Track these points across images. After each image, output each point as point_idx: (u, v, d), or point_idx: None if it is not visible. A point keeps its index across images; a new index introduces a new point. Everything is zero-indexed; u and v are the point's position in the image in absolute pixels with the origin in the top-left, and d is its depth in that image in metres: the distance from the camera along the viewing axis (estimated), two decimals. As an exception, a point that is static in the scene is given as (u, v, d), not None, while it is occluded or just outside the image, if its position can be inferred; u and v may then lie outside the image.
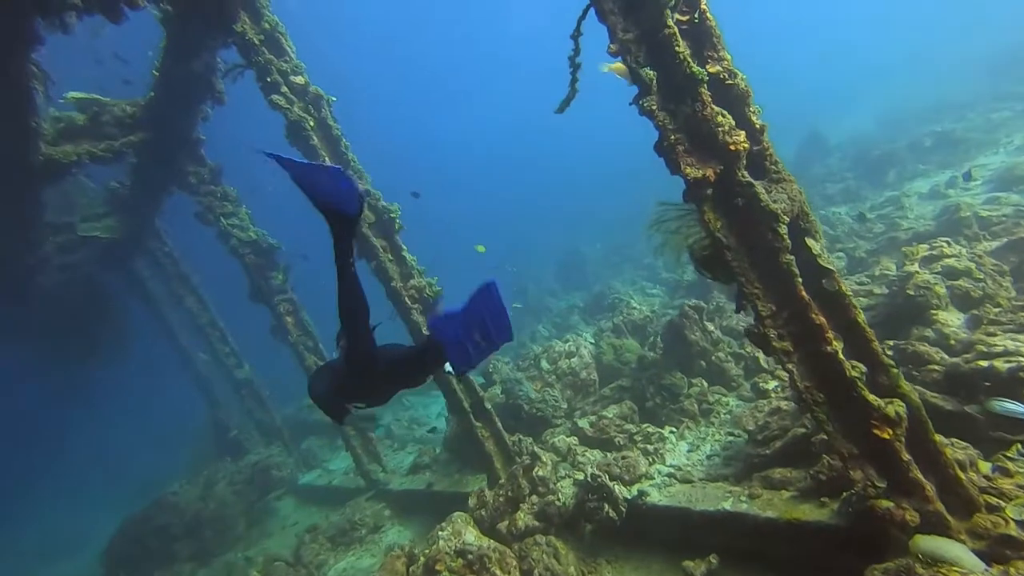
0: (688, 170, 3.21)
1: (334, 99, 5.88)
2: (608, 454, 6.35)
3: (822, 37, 49.74)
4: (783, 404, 4.90)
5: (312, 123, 5.69)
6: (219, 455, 12.89)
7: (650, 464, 5.73)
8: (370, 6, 46.55)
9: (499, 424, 7.16)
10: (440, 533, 5.37)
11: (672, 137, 3.21)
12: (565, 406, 8.03)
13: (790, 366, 3.29)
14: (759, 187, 3.28)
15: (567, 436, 6.91)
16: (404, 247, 6.84)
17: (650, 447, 6.01)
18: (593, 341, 9.41)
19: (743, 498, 4.33)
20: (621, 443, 6.53)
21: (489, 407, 7.14)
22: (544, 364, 8.50)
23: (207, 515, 10.31)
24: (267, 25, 5.58)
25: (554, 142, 52.77)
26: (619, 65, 3.35)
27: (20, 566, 14.72)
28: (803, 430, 4.33)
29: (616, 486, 5.34)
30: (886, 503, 3.22)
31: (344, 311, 2.50)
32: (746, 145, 3.26)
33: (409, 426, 13.03)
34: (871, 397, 3.21)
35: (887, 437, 3.13)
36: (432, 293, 6.99)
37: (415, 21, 50.09)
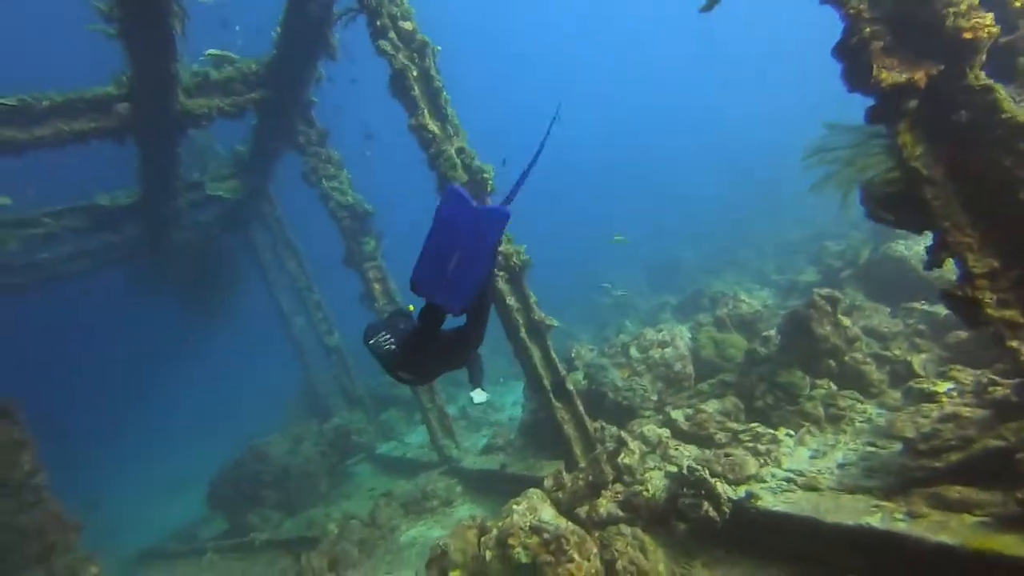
0: (884, 75, 2.46)
1: (439, 48, 5.76)
2: (707, 450, 5.57)
3: None
4: (964, 410, 3.85)
5: (415, 73, 5.60)
6: (309, 416, 13.64)
7: (761, 466, 4.88)
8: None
9: (580, 407, 6.63)
10: (515, 507, 4.96)
11: (866, 30, 2.48)
12: (655, 398, 7.29)
13: (1014, 343, 2.42)
14: (1002, 92, 2.42)
15: (658, 427, 6.20)
16: (495, 210, 6.57)
17: (760, 447, 5.15)
18: (690, 334, 8.51)
19: (899, 515, 3.42)
20: (722, 441, 5.70)
21: (571, 388, 6.63)
22: (634, 352, 7.81)
23: (293, 469, 10.85)
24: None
25: (643, 148, 50.78)
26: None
27: (150, 496, 16.74)
28: (999, 443, 3.32)
29: (718, 484, 4.59)
30: None
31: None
32: (993, 31, 2.40)
33: (484, 410, 12.87)
34: None
35: None
36: (519, 262, 6.64)
37: None
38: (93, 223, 9.05)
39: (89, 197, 8.80)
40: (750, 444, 5.29)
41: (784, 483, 4.48)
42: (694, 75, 53.34)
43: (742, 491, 4.52)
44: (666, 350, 7.66)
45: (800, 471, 4.60)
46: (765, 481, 4.63)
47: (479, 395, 3.20)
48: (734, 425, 5.86)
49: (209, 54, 7.00)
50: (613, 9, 53.05)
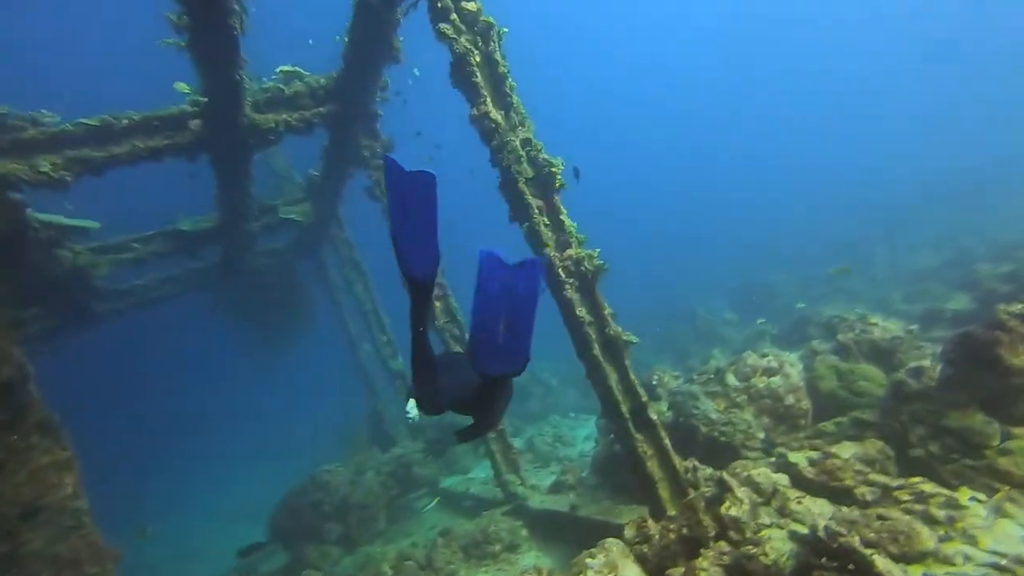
0: None
1: (506, 30, 5.26)
2: (846, 508, 4.21)
3: None
4: None
5: (478, 58, 5.11)
6: (371, 444, 13.26)
7: (941, 540, 3.49)
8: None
9: (667, 441, 5.47)
10: (589, 561, 3.94)
11: None
12: (761, 435, 5.93)
13: None
14: None
15: (772, 472, 4.88)
16: (563, 210, 5.80)
17: (934, 512, 3.74)
18: (801, 363, 7.05)
19: None
20: (867, 497, 4.30)
21: (654, 416, 5.51)
22: (731, 380, 6.52)
23: (354, 501, 10.35)
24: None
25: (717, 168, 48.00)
26: None
27: (214, 525, 17.07)
28: None
29: (877, 558, 3.28)
30: None
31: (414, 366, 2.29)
32: None
33: (553, 444, 11.76)
34: None
35: None
36: (591, 268, 5.76)
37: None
38: (175, 248, 9.43)
39: (166, 220, 9.17)
40: (914, 506, 3.88)
41: (988, 570, 3.09)
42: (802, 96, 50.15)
43: (918, 573, 3.18)
44: (773, 379, 6.31)
45: (1015, 556, 3.17)
46: (954, 564, 3.25)
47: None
48: (882, 478, 4.43)
49: (281, 71, 7.11)
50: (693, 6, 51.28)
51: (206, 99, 6.11)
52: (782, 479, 4.73)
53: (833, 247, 20.42)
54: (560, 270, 5.66)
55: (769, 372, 6.41)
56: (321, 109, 7.27)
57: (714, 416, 6.12)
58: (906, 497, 4.07)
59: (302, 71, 7.20)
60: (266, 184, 11.22)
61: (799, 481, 4.74)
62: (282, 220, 10.76)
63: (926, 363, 5.24)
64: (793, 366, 6.42)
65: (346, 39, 6.50)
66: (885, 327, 6.70)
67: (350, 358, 14.25)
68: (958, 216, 18.09)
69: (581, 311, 5.71)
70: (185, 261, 10.33)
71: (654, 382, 7.76)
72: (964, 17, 42.49)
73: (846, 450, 4.70)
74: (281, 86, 7.07)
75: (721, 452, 5.92)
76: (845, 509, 4.24)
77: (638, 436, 5.57)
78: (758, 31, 49.09)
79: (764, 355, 6.63)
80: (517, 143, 5.33)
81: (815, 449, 5.03)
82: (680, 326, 17.44)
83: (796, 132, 48.17)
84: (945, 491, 4.01)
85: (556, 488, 8.26)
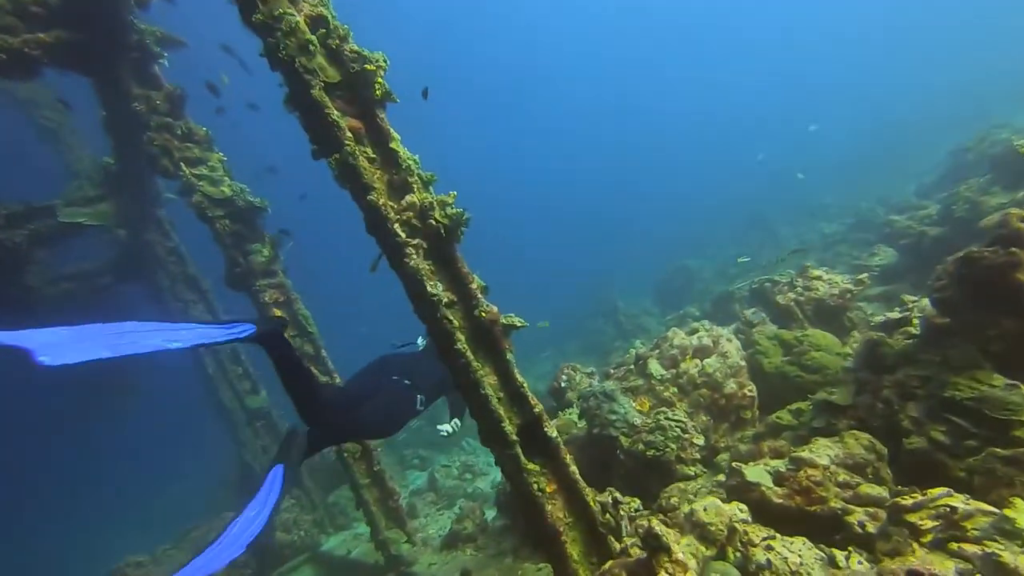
0: None
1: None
2: (841, 553, 2.59)
3: None
4: None
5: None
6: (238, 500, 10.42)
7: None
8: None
9: (573, 468, 3.66)
10: None
11: None
12: (700, 441, 4.30)
13: None
14: None
15: (722, 502, 3.19)
16: (395, 135, 3.87)
17: (1003, 556, 2.18)
18: (737, 341, 5.60)
19: None
20: (867, 527, 2.72)
21: (552, 434, 3.69)
22: (654, 368, 4.88)
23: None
24: None
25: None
26: None
27: None
28: None
29: None
30: None
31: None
32: None
33: (461, 476, 9.70)
34: None
35: None
36: (445, 219, 3.82)
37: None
38: None
39: None
40: (938, 534, 2.31)
41: None
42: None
43: None
44: (708, 360, 4.75)
45: None
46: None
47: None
48: (879, 491, 2.89)
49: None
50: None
51: None
52: (738, 511, 3.05)
53: (742, 229, 20.36)
54: (397, 226, 3.69)
55: (702, 352, 4.85)
56: (43, 36, 4.85)
57: (637, 421, 4.43)
58: (928, 523, 2.51)
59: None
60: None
61: (763, 510, 3.08)
62: (67, 227, 7.92)
63: (896, 314, 3.87)
64: (731, 341, 4.91)
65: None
66: (831, 280, 5.43)
67: (209, 400, 11.31)
68: (845, 188, 18.61)
69: (434, 286, 3.76)
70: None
71: (563, 383, 6.01)
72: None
73: (822, 452, 3.12)
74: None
75: (651, 472, 4.22)
76: (838, 554, 2.62)
77: (531, 467, 3.71)
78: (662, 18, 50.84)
79: (693, 331, 5.09)
80: (300, 22, 3.36)
81: (779, 456, 3.42)
82: (603, 326, 16.17)
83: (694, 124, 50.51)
84: (983, 505, 2.49)
85: (452, 542, 6.23)
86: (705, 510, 3.00)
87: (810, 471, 2.98)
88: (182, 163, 5.91)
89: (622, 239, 32.59)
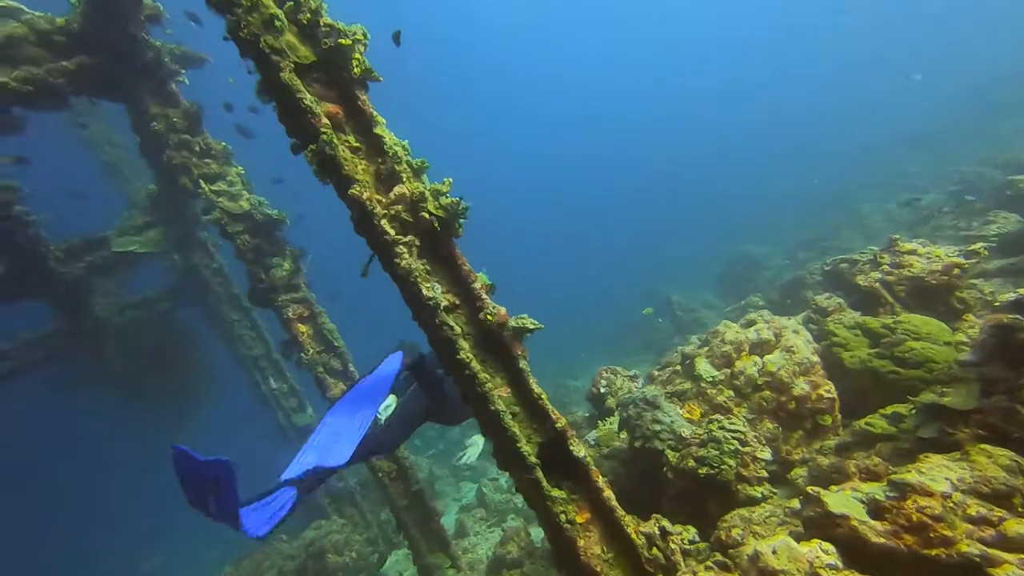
0: None
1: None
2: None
3: None
4: None
5: None
6: (290, 528, 10.48)
7: None
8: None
9: (608, 493, 3.03)
10: None
11: None
12: (768, 455, 3.51)
13: None
14: None
15: (797, 541, 2.45)
16: (380, 119, 3.46)
17: None
18: (807, 333, 4.69)
19: None
20: (1017, 579, 1.91)
21: (583, 456, 3.08)
22: (704, 368, 4.13)
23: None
24: None
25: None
26: None
27: None
28: None
29: None
30: None
31: None
32: None
33: (510, 488, 9.16)
34: None
35: None
36: (440, 211, 3.33)
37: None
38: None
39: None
40: None
41: None
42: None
43: None
44: (770, 357, 3.94)
45: None
46: None
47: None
48: (1029, 522, 2.04)
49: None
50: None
51: None
52: (821, 554, 2.30)
53: (811, 209, 18.48)
54: (384, 222, 3.25)
55: (761, 347, 4.04)
56: (66, 63, 4.93)
57: (685, 432, 3.71)
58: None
59: (20, 5, 4.90)
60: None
61: (857, 553, 2.31)
62: (121, 256, 8.29)
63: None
64: (797, 333, 4.06)
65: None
66: (930, 254, 4.39)
67: (264, 419, 11.55)
68: (928, 160, 16.42)
69: (431, 288, 3.28)
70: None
71: (602, 388, 5.34)
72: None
73: (937, 474, 2.30)
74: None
75: (705, 490, 3.49)
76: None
77: (556, 493, 3.13)
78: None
79: (750, 323, 4.27)
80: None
81: (872, 478, 2.61)
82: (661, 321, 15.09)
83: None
84: None
85: (495, 567, 5.70)
86: (775, 553, 2.29)
87: (925, 501, 2.18)
88: (201, 180, 5.89)
89: (675, 230, 30.91)
